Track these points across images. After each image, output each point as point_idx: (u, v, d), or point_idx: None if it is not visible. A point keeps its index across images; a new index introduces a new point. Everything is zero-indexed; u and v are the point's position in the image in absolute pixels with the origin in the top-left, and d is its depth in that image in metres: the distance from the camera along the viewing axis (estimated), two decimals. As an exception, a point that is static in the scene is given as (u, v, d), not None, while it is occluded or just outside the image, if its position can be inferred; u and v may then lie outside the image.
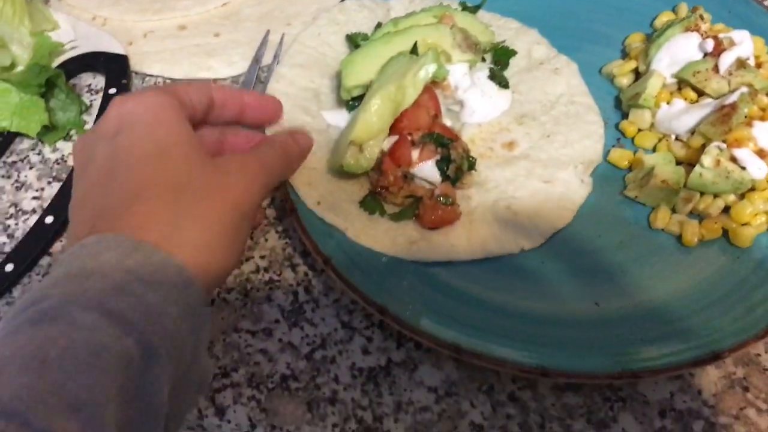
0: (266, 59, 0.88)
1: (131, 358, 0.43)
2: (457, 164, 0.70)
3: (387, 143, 0.71)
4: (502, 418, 0.64)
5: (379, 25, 0.82)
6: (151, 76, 0.89)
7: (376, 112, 0.69)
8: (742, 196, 0.71)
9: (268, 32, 0.88)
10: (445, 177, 0.70)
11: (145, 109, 0.55)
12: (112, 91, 0.84)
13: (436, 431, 0.63)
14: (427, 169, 0.70)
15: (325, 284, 0.72)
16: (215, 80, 0.87)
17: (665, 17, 0.85)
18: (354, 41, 0.82)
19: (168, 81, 0.88)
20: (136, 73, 0.89)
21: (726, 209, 0.71)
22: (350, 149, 0.69)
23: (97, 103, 0.86)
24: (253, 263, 0.73)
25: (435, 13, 0.80)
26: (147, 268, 0.47)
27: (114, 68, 0.86)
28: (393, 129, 0.71)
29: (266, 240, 0.75)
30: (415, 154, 0.70)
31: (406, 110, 0.70)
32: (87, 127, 0.84)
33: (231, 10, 0.94)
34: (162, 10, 0.93)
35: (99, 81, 0.89)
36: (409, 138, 0.70)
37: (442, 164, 0.70)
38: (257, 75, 0.86)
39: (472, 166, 0.73)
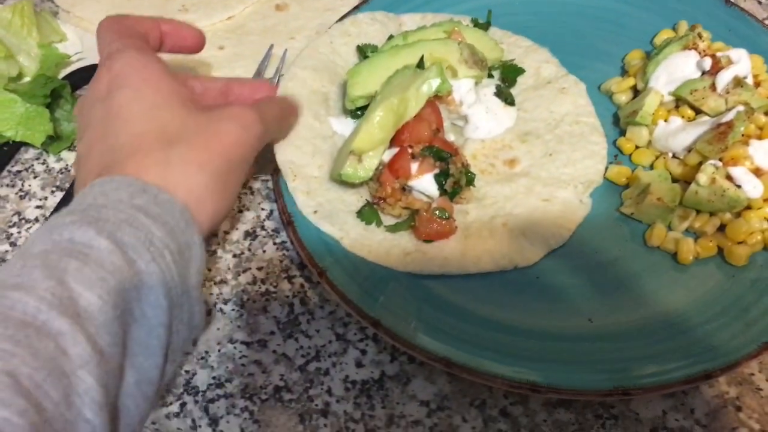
0: (268, 73, 0.89)
1: (136, 283, 0.49)
2: (455, 179, 0.71)
3: (387, 155, 0.72)
4: (494, 433, 0.64)
5: (391, 38, 0.82)
6: (156, 88, 0.90)
7: (379, 123, 0.70)
8: (738, 215, 0.71)
9: (271, 46, 0.89)
10: (442, 191, 0.71)
11: (132, 69, 0.59)
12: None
13: (427, 445, 0.64)
14: (425, 183, 0.71)
15: (321, 296, 0.72)
16: (218, 93, 0.89)
17: (665, 35, 0.86)
18: (363, 52, 0.82)
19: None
20: (141, 85, 0.90)
21: (722, 227, 0.71)
22: (350, 158, 0.69)
23: (101, 114, 0.87)
24: (250, 274, 0.74)
25: (445, 28, 0.80)
26: (153, 207, 0.52)
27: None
28: (394, 141, 0.72)
29: (264, 251, 0.76)
30: (414, 166, 0.71)
31: (407, 123, 0.71)
32: (91, 137, 0.85)
33: (236, 23, 0.95)
34: (168, 23, 0.94)
35: (104, 92, 0.90)
36: (410, 151, 0.71)
37: (440, 178, 0.70)
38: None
39: (471, 181, 0.73)
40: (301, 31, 0.94)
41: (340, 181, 0.71)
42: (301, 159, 0.73)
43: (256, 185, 0.81)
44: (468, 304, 0.68)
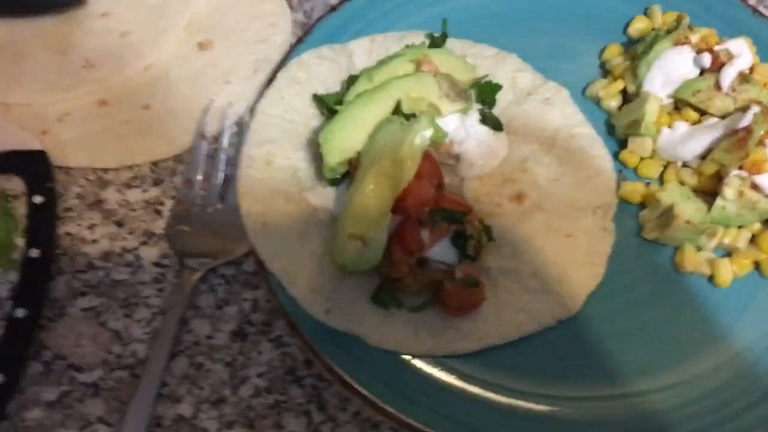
0: (213, 127, 0.76)
1: None
2: (475, 240, 0.62)
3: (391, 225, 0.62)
4: None
5: (351, 80, 0.71)
6: (78, 168, 0.75)
7: (373, 193, 0.60)
8: (766, 222, 0.66)
9: (211, 101, 0.76)
10: (464, 255, 0.62)
11: None
12: (38, 199, 0.70)
13: None
14: (442, 250, 0.61)
15: (340, 395, 0.63)
16: (155, 163, 0.75)
17: (639, 23, 0.79)
18: (326, 104, 0.70)
19: (99, 172, 0.75)
20: (59, 167, 0.75)
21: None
22: (351, 243, 0.59)
23: (19, 212, 0.72)
24: (251, 385, 0.63)
25: (410, 57, 0.70)
26: None
27: (33, 168, 0.73)
28: (395, 209, 0.61)
29: (260, 353, 0.65)
30: (425, 234, 0.61)
31: (407, 186, 0.61)
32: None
33: (156, 74, 0.80)
34: (73, 85, 0.78)
35: (17, 183, 0.74)
36: (416, 217, 0.61)
37: (459, 242, 0.62)
38: (207, 150, 0.75)
39: (491, 237, 0.65)
40: (235, 72, 0.80)
41: (344, 270, 0.61)
42: (291, 254, 0.63)
43: (230, 271, 0.70)
44: (509, 384, 0.60)
